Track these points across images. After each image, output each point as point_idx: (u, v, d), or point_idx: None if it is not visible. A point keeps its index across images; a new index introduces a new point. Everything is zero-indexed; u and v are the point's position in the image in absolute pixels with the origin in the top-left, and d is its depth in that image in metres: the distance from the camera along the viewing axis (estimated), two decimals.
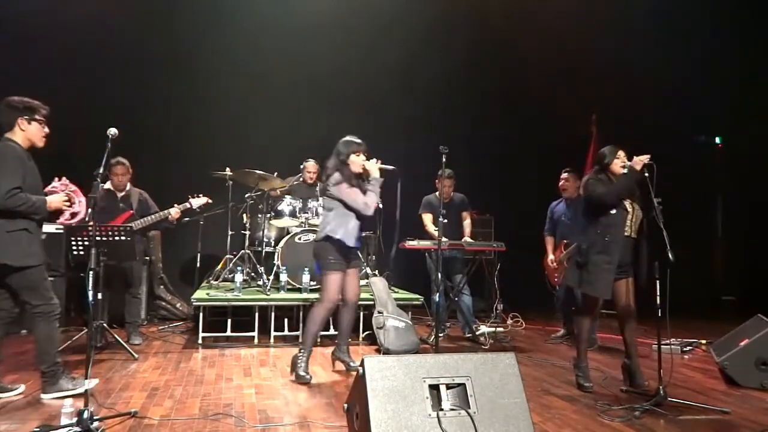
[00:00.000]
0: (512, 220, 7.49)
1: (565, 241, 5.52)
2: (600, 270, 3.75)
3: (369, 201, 4.02)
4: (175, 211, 5.22)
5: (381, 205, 6.13)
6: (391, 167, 4.16)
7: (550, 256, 5.65)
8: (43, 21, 6.63)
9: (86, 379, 2.90)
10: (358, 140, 4.13)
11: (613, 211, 3.78)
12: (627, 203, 3.81)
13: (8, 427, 2.99)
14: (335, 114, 7.48)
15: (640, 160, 3.71)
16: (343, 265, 4.07)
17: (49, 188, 3.67)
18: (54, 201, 3.47)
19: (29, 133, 3.44)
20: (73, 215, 3.75)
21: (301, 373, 3.98)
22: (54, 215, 3.59)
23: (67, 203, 3.55)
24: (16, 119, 3.41)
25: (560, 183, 5.69)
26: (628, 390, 3.85)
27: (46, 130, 3.51)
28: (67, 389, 3.45)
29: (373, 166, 4.07)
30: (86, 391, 2.90)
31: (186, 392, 3.68)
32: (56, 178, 3.80)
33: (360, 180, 4.11)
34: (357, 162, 4.08)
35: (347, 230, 4.03)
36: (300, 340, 5.26)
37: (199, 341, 5.21)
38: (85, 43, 6.71)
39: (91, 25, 6.72)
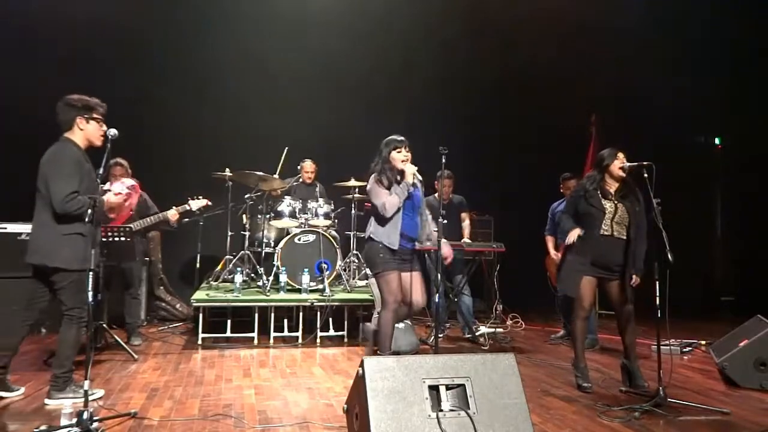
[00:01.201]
0: (511, 220, 7.50)
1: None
2: (571, 270, 3.87)
3: (387, 202, 3.86)
4: (172, 213, 5.22)
5: None
6: (419, 178, 4.11)
7: (552, 252, 5.66)
8: (43, 20, 6.64)
9: (86, 379, 2.90)
10: (399, 138, 4.06)
11: (588, 212, 3.85)
12: (607, 203, 3.84)
13: (8, 427, 3.00)
14: (335, 114, 7.50)
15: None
16: (396, 266, 3.89)
17: (104, 188, 3.71)
18: (112, 200, 3.52)
19: (87, 132, 3.45)
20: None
21: None
22: (111, 212, 3.63)
23: (124, 199, 3.60)
24: (74, 118, 3.42)
25: (565, 190, 5.68)
26: (627, 390, 3.85)
27: (104, 128, 3.47)
28: (71, 398, 3.41)
29: (409, 171, 3.94)
30: (85, 390, 2.90)
31: (186, 393, 3.68)
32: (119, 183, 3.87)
33: (400, 176, 4.00)
34: (397, 159, 3.97)
35: (385, 231, 3.91)
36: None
37: (199, 342, 5.21)
38: (85, 43, 6.72)
39: (91, 25, 6.73)
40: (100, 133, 3.48)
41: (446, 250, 3.94)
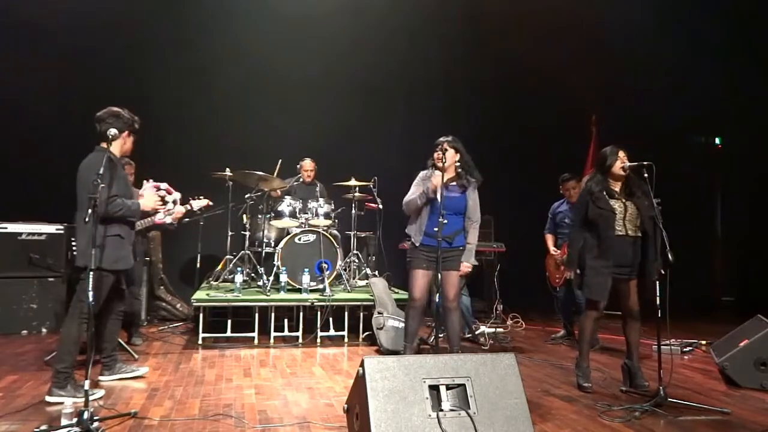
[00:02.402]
0: (511, 220, 7.50)
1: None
2: (596, 274, 3.78)
3: (405, 201, 4.16)
4: (179, 209, 5.18)
5: (381, 206, 6.18)
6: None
7: (552, 249, 5.66)
8: (42, 20, 6.63)
9: (86, 379, 2.90)
10: (441, 138, 4.17)
11: (599, 215, 3.80)
12: (616, 204, 3.82)
13: (8, 427, 3.00)
14: (335, 115, 7.50)
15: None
16: (421, 264, 4.08)
17: (141, 191, 3.83)
18: (148, 202, 3.73)
19: (126, 146, 3.75)
20: (169, 212, 3.93)
21: None
22: (149, 214, 3.83)
23: (160, 203, 3.77)
24: (123, 132, 3.66)
25: (565, 191, 5.68)
26: (627, 390, 3.85)
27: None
28: (71, 396, 3.40)
29: (435, 180, 4.01)
30: (86, 390, 2.90)
31: (186, 393, 3.68)
32: (145, 181, 3.95)
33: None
34: (435, 158, 4.12)
35: (416, 229, 4.13)
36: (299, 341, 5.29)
37: (199, 342, 5.21)
38: (85, 42, 6.72)
39: (92, 25, 6.72)
40: (130, 147, 3.79)
41: (464, 267, 4.15)
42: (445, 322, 4.23)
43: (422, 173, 4.23)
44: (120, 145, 3.68)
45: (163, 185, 3.95)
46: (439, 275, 3.84)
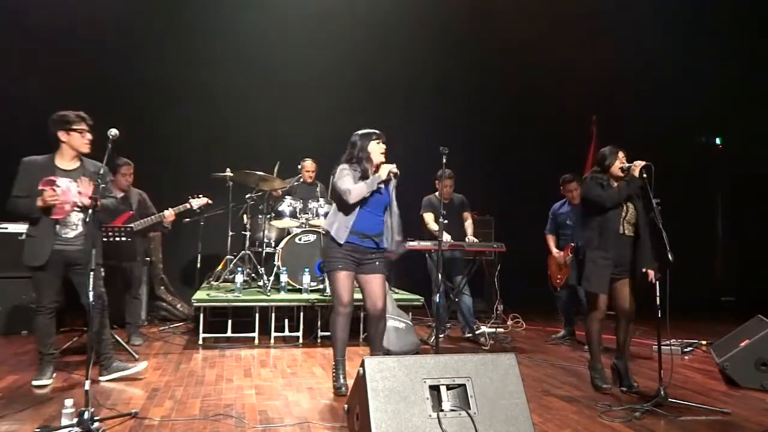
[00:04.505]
0: (512, 220, 7.50)
1: (572, 244, 5.51)
2: (596, 266, 3.77)
3: (353, 189, 3.59)
4: (168, 213, 5.18)
5: None
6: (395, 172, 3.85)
7: (555, 251, 5.65)
8: (42, 19, 6.63)
9: (87, 379, 2.90)
10: (377, 131, 3.81)
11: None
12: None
13: (8, 427, 3.00)
14: (335, 115, 7.49)
15: (637, 166, 3.71)
16: (346, 264, 3.67)
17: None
18: (40, 201, 3.64)
19: (70, 142, 3.72)
20: (63, 204, 3.67)
21: (335, 383, 3.75)
22: (48, 211, 3.67)
23: (52, 198, 3.62)
24: (56, 133, 3.72)
25: (566, 193, 5.66)
26: (628, 390, 3.84)
27: (89, 136, 3.75)
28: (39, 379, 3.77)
29: (386, 167, 3.70)
30: (86, 390, 2.90)
31: (186, 393, 3.68)
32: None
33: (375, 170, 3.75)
34: (375, 151, 3.72)
35: (339, 225, 3.68)
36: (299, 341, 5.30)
37: (200, 342, 5.21)
38: (84, 43, 6.72)
39: (93, 23, 6.73)
40: (84, 141, 3.72)
41: (392, 254, 3.87)
42: (369, 328, 3.88)
43: (346, 167, 3.74)
44: (63, 145, 3.70)
45: (63, 183, 3.69)
46: (439, 275, 3.80)
